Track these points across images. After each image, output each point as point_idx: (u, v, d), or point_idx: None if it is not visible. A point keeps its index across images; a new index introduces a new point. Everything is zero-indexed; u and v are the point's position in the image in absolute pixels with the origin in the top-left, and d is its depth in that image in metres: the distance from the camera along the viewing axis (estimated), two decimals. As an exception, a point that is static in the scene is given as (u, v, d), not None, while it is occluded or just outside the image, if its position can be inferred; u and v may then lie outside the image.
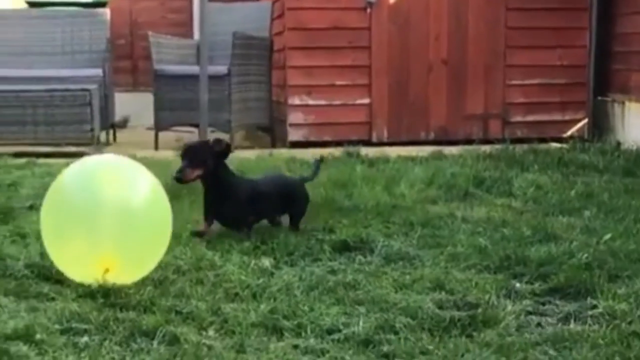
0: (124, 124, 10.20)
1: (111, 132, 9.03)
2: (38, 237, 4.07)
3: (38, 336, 2.87)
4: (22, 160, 7.01)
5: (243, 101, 8.08)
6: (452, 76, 8.28)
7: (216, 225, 4.34)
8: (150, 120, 9.63)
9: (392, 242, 4.11)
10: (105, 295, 3.32)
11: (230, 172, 4.31)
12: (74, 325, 3.00)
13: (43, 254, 3.81)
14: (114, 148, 7.90)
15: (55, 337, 2.90)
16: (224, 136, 7.78)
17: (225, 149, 4.22)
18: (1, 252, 3.86)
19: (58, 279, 3.55)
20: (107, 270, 3.37)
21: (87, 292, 3.35)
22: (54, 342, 2.85)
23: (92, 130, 7.74)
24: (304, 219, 4.49)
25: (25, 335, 2.87)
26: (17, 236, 4.20)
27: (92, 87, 7.71)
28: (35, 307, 3.18)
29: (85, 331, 2.96)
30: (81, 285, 3.42)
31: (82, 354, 2.76)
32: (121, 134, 9.45)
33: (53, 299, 3.30)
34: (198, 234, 4.23)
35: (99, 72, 8.07)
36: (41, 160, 7.04)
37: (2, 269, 3.63)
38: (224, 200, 4.24)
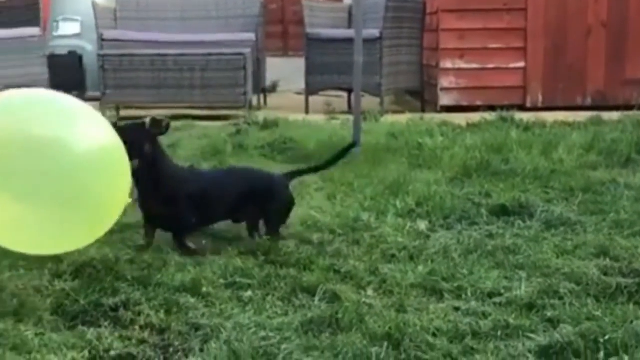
0: (273, 88, 10.35)
1: (262, 96, 9.18)
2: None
3: (204, 289, 2.96)
4: (179, 123, 7.22)
5: (394, 65, 8.04)
6: (611, 39, 7.98)
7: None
8: (298, 84, 9.75)
9: (552, 208, 4.00)
10: (266, 252, 3.39)
11: (167, 159, 3.51)
12: (237, 280, 3.08)
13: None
14: (265, 112, 8.02)
15: (221, 290, 2.98)
16: (374, 100, 7.81)
17: (164, 131, 3.43)
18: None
19: (220, 236, 3.65)
20: None
21: (249, 250, 3.43)
22: (220, 296, 2.93)
23: (245, 94, 7.88)
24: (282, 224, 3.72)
25: (193, 288, 2.96)
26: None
27: (246, 51, 7.84)
28: (201, 262, 3.28)
29: (249, 286, 3.03)
30: (242, 242, 3.52)
31: (247, 308, 2.83)
32: (271, 98, 9.60)
33: (217, 253, 3.39)
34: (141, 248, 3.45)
35: (252, 36, 8.19)
36: (197, 123, 7.24)
37: (167, 225, 3.75)
38: (156, 196, 3.43)
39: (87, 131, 2.96)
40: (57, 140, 2.86)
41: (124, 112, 8.14)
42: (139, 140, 3.32)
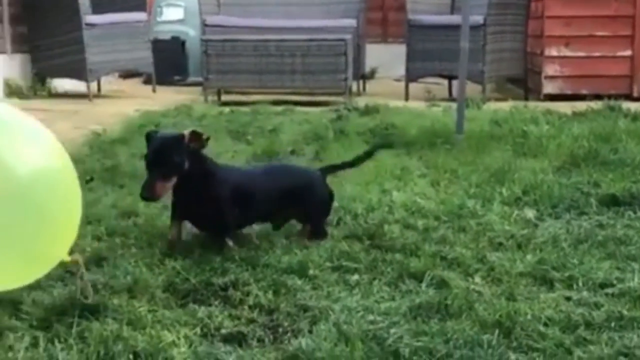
0: (371, 75, 10.34)
1: (361, 82, 9.17)
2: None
3: (311, 272, 2.98)
4: (280, 108, 7.28)
5: (497, 52, 7.93)
6: None
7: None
8: (397, 71, 9.71)
9: (664, 199, 3.88)
10: (371, 237, 3.38)
11: (205, 159, 3.24)
12: (343, 263, 3.08)
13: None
14: (364, 98, 8.01)
15: (327, 273, 2.99)
16: (475, 87, 7.71)
17: (205, 144, 3.18)
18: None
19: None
20: None
21: (354, 234, 3.43)
22: (326, 278, 2.94)
23: (345, 79, 7.89)
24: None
25: (299, 270, 2.98)
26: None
27: (347, 37, 7.84)
28: (306, 245, 3.29)
29: (355, 270, 3.03)
30: (348, 226, 3.54)
31: (354, 291, 2.83)
32: (369, 85, 9.59)
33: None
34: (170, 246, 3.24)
35: (353, 22, 8.19)
36: (297, 108, 7.29)
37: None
38: (197, 198, 3.22)
39: (27, 151, 2.35)
40: None
41: (225, 97, 8.26)
42: (178, 156, 3.09)
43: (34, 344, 2.36)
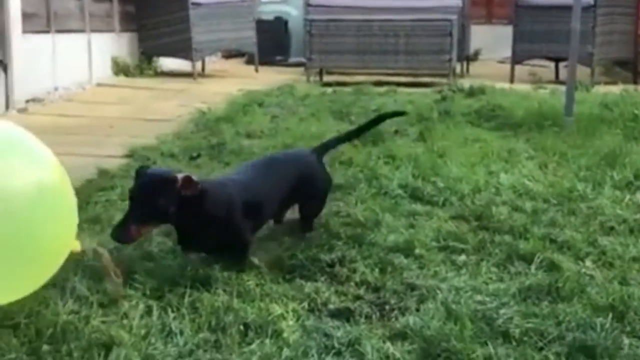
0: (475, 56, 10.19)
1: (465, 64, 9.06)
2: (407, 159, 4.22)
3: (417, 251, 2.96)
4: (382, 89, 7.25)
5: (607, 34, 7.72)
6: None
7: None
8: (500, 53, 9.55)
9: None
10: (478, 218, 3.34)
11: (203, 187, 2.73)
12: (450, 243, 3.05)
13: (414, 175, 3.93)
14: (468, 80, 7.91)
15: (434, 253, 2.97)
16: (583, 70, 7.52)
17: (196, 193, 2.69)
18: (376, 171, 4.01)
19: (429, 200, 3.63)
20: None
21: (460, 215, 3.40)
22: (433, 258, 2.92)
23: (449, 60, 7.81)
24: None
25: (406, 249, 2.97)
26: (389, 158, 4.34)
27: (453, 17, 7.74)
28: (412, 224, 3.28)
29: (462, 250, 3.00)
30: (454, 206, 3.50)
31: (462, 271, 2.80)
32: (473, 67, 9.47)
33: (428, 217, 3.38)
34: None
35: (459, 2, 8.09)
36: (400, 89, 7.24)
37: (378, 187, 3.78)
38: (202, 226, 2.78)
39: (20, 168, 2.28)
40: None
41: (326, 78, 8.27)
42: (164, 200, 2.65)
43: (148, 312, 2.41)
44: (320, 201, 3.22)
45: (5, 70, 6.28)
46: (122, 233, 2.61)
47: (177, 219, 2.70)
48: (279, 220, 3.24)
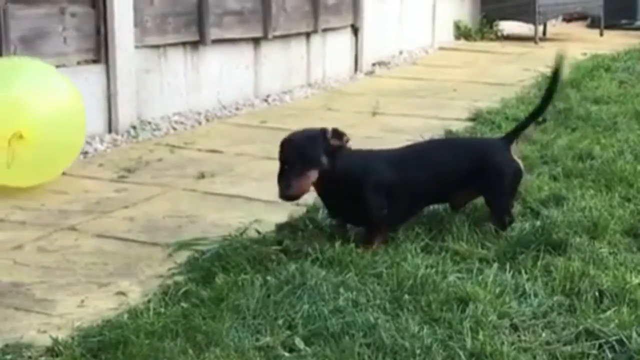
0: None
1: None
2: None
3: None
4: None
5: None
6: None
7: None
8: None
9: None
10: None
11: (347, 154, 2.80)
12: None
13: None
14: None
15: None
16: None
17: (344, 144, 2.78)
18: None
19: None
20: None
21: None
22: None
23: None
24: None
25: None
26: None
27: None
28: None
29: None
30: None
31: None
32: None
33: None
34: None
35: None
36: None
37: None
38: (345, 195, 2.80)
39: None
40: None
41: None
42: (316, 153, 2.73)
43: (501, 271, 2.48)
44: (502, 194, 2.90)
45: (356, 34, 6.62)
46: (286, 189, 2.72)
47: (322, 181, 2.74)
48: (455, 207, 2.99)
